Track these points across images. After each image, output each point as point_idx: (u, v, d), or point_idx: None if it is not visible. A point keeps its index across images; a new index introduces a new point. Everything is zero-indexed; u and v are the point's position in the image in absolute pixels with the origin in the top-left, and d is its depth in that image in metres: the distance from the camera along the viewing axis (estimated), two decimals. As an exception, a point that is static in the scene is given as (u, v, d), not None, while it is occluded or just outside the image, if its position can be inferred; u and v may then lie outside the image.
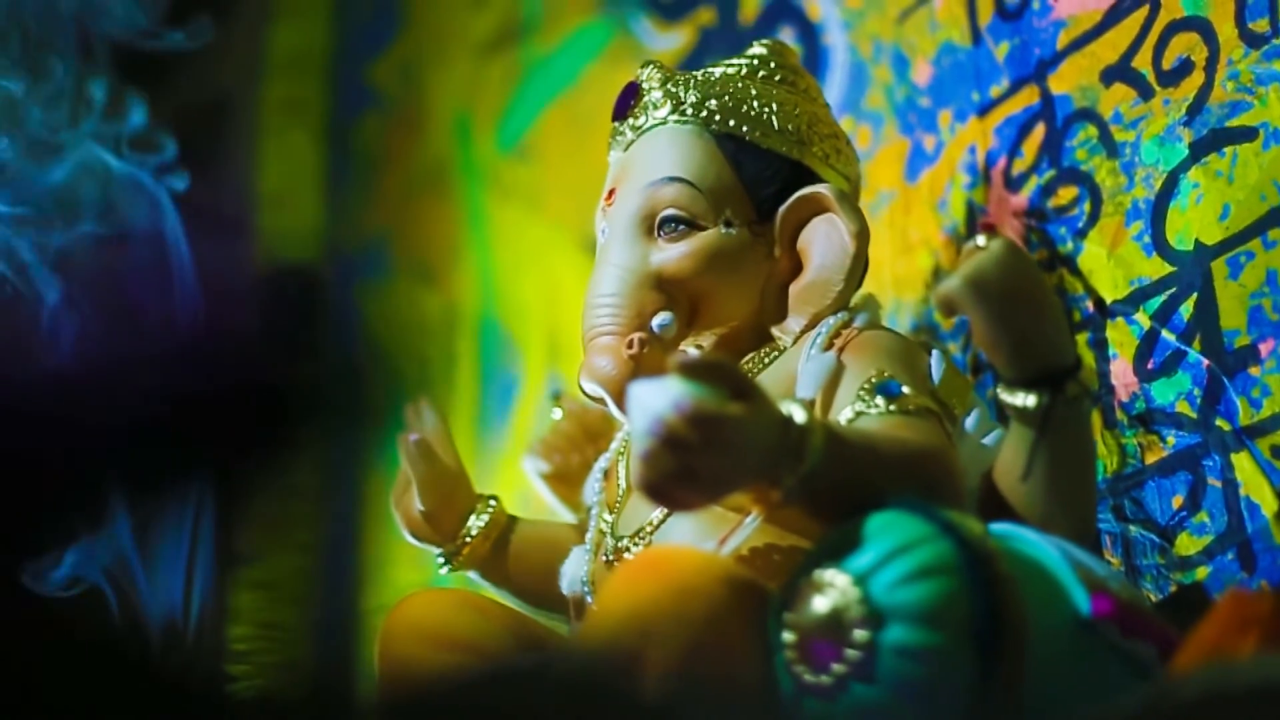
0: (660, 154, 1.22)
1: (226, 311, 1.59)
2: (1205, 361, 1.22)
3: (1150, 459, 1.25)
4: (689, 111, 1.23)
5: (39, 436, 1.38)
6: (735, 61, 1.28)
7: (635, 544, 1.16)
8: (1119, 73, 1.34)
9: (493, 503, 1.30)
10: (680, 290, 1.20)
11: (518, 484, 1.64)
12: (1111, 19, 1.36)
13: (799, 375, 1.15)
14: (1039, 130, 1.40)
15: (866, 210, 1.25)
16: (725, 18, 1.82)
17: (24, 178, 1.57)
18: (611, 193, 1.25)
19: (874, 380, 1.09)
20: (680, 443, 0.91)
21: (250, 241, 2.22)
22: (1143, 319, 1.27)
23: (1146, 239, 1.28)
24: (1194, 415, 1.23)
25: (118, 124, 1.64)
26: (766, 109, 1.23)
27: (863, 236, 1.20)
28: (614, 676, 0.94)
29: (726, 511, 1.06)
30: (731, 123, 1.23)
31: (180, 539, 1.55)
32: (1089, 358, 1.30)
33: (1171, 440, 1.24)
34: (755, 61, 1.28)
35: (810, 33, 1.69)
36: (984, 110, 1.47)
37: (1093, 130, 1.35)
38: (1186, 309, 1.24)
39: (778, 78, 1.27)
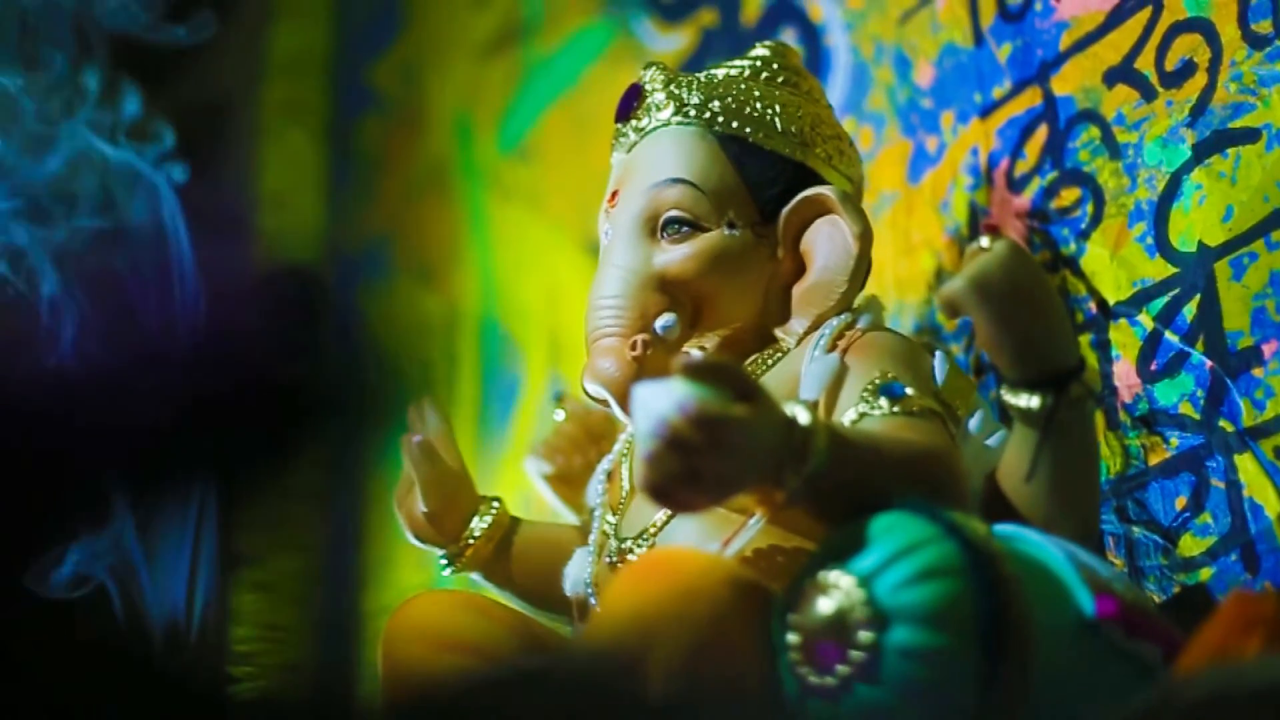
0: (663, 155, 1.22)
1: (227, 312, 1.59)
2: (1208, 363, 1.22)
3: (1153, 460, 1.25)
4: (692, 113, 1.23)
5: (40, 436, 1.37)
6: (738, 63, 1.28)
7: (639, 545, 1.16)
8: (1121, 74, 1.34)
9: (495, 504, 1.30)
10: (683, 292, 1.20)
11: (519, 485, 1.64)
12: (1114, 20, 1.36)
13: (802, 377, 1.15)
14: (1041, 131, 1.40)
15: (869, 211, 1.25)
16: (727, 19, 1.82)
17: (25, 173, 1.57)
18: (614, 194, 1.25)
19: (877, 381, 1.09)
20: (684, 444, 0.91)
21: (251, 243, 2.22)
22: (1146, 320, 1.27)
23: (1149, 240, 1.28)
24: (1197, 416, 1.23)
25: (119, 120, 1.64)
26: (769, 110, 1.23)
27: (866, 238, 1.20)
28: (618, 678, 0.94)
29: (730, 513, 1.06)
30: (735, 124, 1.23)
31: (182, 540, 1.55)
32: (1092, 359, 1.30)
33: (1175, 441, 1.24)
34: (758, 63, 1.28)
35: (812, 34, 1.70)
36: (986, 111, 1.47)
37: (1095, 131, 1.35)
38: (1189, 310, 1.24)
39: (781, 79, 1.27)
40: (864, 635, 0.90)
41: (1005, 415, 1.14)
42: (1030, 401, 1.09)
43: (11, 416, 1.38)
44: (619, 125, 1.27)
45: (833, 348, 1.16)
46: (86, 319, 1.52)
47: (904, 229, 1.53)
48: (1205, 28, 1.27)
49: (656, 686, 0.92)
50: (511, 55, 2.15)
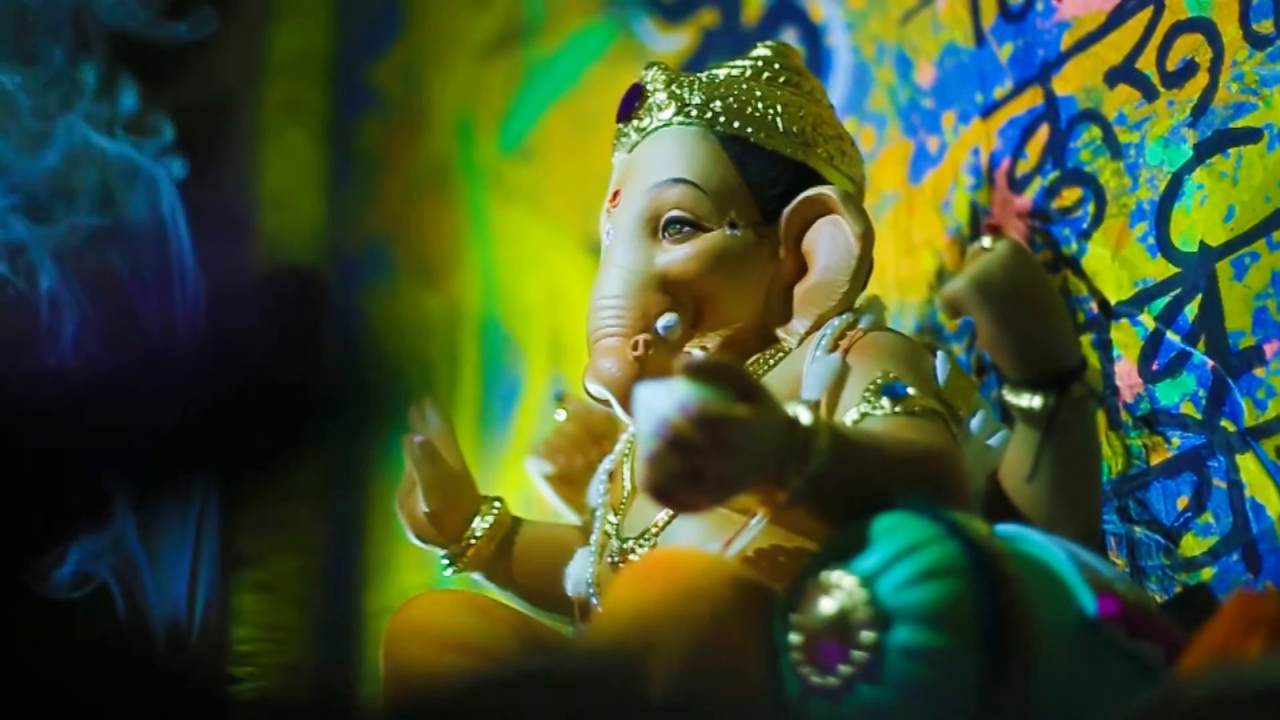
0: (665, 155, 1.22)
1: (227, 311, 1.59)
2: (1210, 363, 1.22)
3: (1155, 460, 1.25)
4: (694, 113, 1.23)
5: (41, 436, 1.37)
6: (740, 63, 1.28)
7: (640, 545, 1.16)
8: (1123, 74, 1.34)
9: (497, 504, 1.30)
10: (685, 292, 1.20)
11: (521, 485, 1.64)
12: (1115, 20, 1.36)
13: (804, 377, 1.15)
14: (1043, 132, 1.40)
15: (870, 211, 1.25)
16: (728, 19, 1.82)
17: (24, 169, 1.57)
18: (616, 194, 1.25)
19: (879, 381, 1.09)
20: (686, 444, 0.91)
21: (251, 243, 2.22)
22: (1147, 320, 1.27)
23: (1151, 240, 1.28)
24: (1199, 416, 1.22)
25: (118, 114, 1.64)
26: (771, 110, 1.23)
27: (867, 238, 1.20)
28: (620, 678, 0.94)
29: (732, 513, 1.06)
30: (736, 124, 1.23)
31: (184, 540, 1.55)
32: (1093, 359, 1.29)
33: (1176, 441, 1.24)
34: (760, 63, 1.28)
35: (813, 34, 1.70)
36: (987, 112, 1.47)
37: (1097, 132, 1.35)
38: (1191, 310, 1.24)
39: (782, 79, 1.27)
40: (866, 635, 0.90)
41: (1007, 415, 1.14)
42: (1032, 401, 1.09)
43: (12, 416, 1.38)
44: (620, 125, 1.27)
45: (834, 348, 1.16)
46: (87, 318, 1.52)
47: (905, 229, 1.53)
48: (1207, 28, 1.27)
49: (658, 686, 0.92)
50: (512, 55, 2.15)
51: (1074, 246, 1.35)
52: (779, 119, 1.23)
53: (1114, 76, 1.35)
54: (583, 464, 1.42)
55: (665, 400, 0.92)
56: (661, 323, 1.18)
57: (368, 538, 2.07)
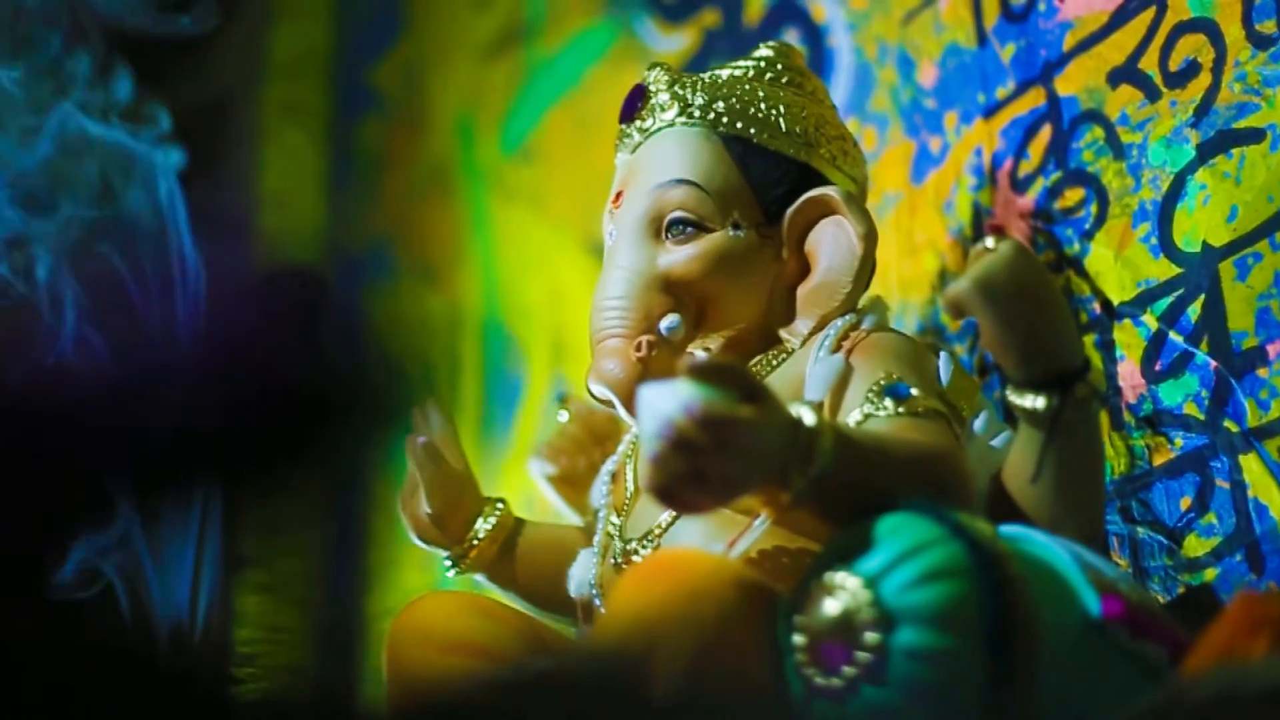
0: (668, 156, 1.22)
1: (228, 312, 1.59)
2: (1213, 363, 1.22)
3: (1158, 461, 1.25)
4: (696, 114, 1.23)
5: (42, 437, 1.37)
6: (742, 63, 1.28)
7: (644, 547, 1.16)
8: (1125, 74, 1.34)
9: (500, 505, 1.30)
10: (688, 293, 1.20)
11: (522, 486, 1.64)
12: (1118, 20, 1.35)
13: (807, 377, 1.15)
14: (1045, 132, 1.40)
15: (872, 212, 1.25)
16: (729, 19, 1.82)
17: (22, 163, 1.57)
18: (619, 195, 1.25)
19: (882, 382, 1.09)
20: (690, 445, 0.91)
21: (252, 243, 2.22)
22: (1150, 321, 1.27)
23: (1154, 241, 1.28)
24: (1202, 417, 1.22)
25: (119, 106, 1.64)
26: (774, 111, 1.23)
27: (870, 238, 1.20)
28: (623, 680, 0.94)
29: (735, 514, 1.06)
30: (739, 125, 1.23)
31: (186, 541, 1.55)
32: (1096, 360, 1.29)
33: (1179, 442, 1.24)
34: (762, 63, 1.28)
35: (815, 34, 1.69)
36: (990, 112, 1.47)
37: (1099, 132, 1.35)
38: (1194, 311, 1.24)
39: (785, 79, 1.27)
40: (870, 636, 0.90)
41: (1010, 416, 1.14)
42: (1035, 402, 1.09)
43: (14, 416, 1.38)
44: (623, 126, 1.27)
45: (837, 348, 1.16)
46: (88, 318, 1.52)
47: (907, 230, 1.53)
48: (1209, 28, 1.27)
49: (662, 688, 0.92)
50: (513, 56, 2.15)
51: (1076, 247, 1.35)
52: (782, 119, 1.23)
53: (1116, 77, 1.35)
54: (585, 465, 1.42)
55: (669, 401, 0.92)
56: (665, 324, 1.18)
57: (370, 539, 2.07)
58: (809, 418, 0.96)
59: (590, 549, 1.24)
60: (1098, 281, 1.32)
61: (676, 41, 1.89)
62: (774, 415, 0.94)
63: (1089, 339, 1.31)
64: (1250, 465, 1.18)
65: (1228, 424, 1.20)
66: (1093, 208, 1.34)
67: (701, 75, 1.27)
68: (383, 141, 2.35)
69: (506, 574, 1.30)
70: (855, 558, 0.92)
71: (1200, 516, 1.21)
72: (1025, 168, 1.42)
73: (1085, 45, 1.38)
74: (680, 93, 1.24)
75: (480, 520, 1.29)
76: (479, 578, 1.31)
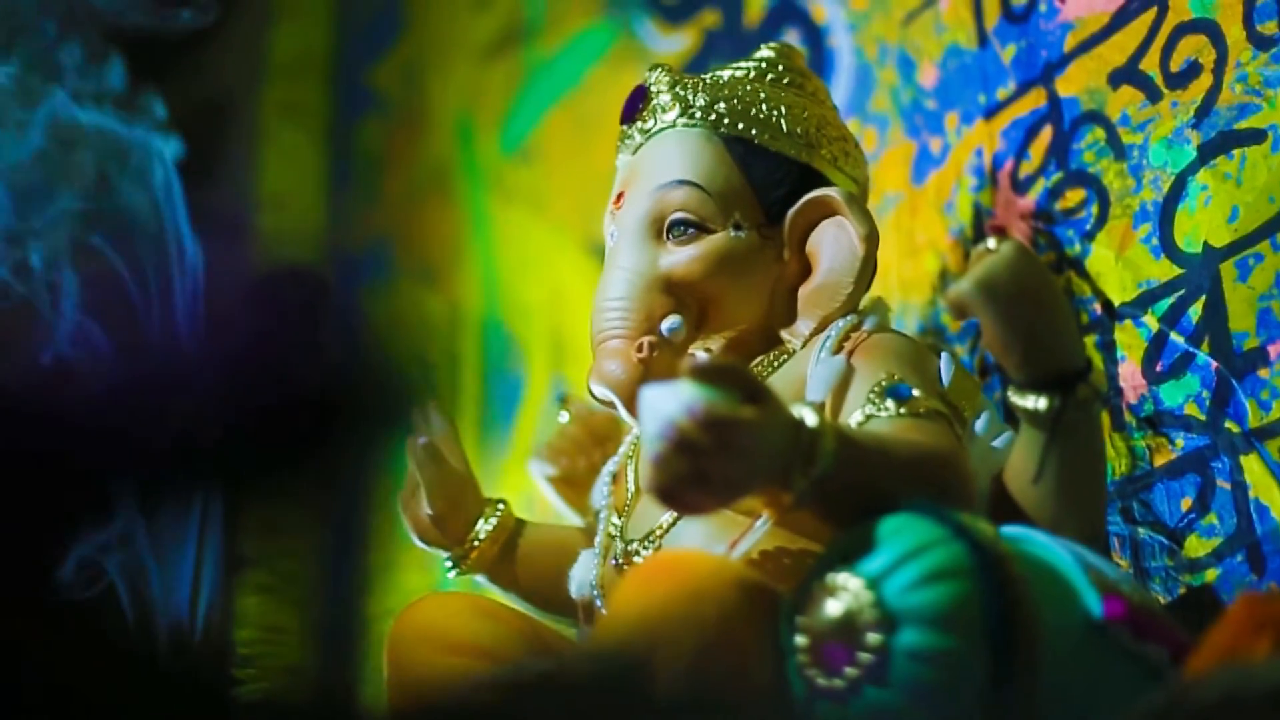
0: (669, 157, 1.22)
1: (228, 313, 1.59)
2: (1214, 364, 1.22)
3: (1159, 461, 1.25)
4: (697, 114, 1.23)
5: (44, 438, 1.37)
6: (743, 64, 1.28)
7: (645, 547, 1.16)
8: (1126, 75, 1.34)
9: (501, 506, 1.30)
10: (689, 293, 1.19)
11: (523, 487, 1.63)
12: (1119, 21, 1.35)
13: (809, 378, 1.15)
14: (1046, 133, 1.40)
15: (873, 213, 1.25)
16: (730, 20, 1.82)
17: (17, 159, 1.57)
18: (620, 196, 1.25)
19: (884, 383, 1.09)
20: (692, 446, 0.91)
21: (251, 244, 2.22)
22: (1151, 321, 1.27)
23: (1155, 241, 1.28)
24: (1203, 417, 1.22)
25: (113, 96, 1.63)
26: (775, 112, 1.23)
27: (872, 239, 1.20)
28: (625, 681, 0.94)
29: (737, 515, 1.05)
30: (740, 125, 1.23)
31: (187, 542, 1.55)
32: (1097, 360, 1.29)
33: (1180, 442, 1.24)
34: (763, 64, 1.28)
35: (815, 35, 1.69)
36: (990, 113, 1.47)
37: (1100, 133, 1.35)
38: (1195, 311, 1.24)
39: (786, 80, 1.27)
40: (872, 637, 0.90)
41: (1011, 417, 1.14)
42: (1037, 403, 1.09)
43: (15, 417, 1.38)
44: (624, 127, 1.27)
45: (839, 349, 1.16)
46: (88, 319, 1.52)
47: (908, 230, 1.53)
48: (1210, 29, 1.27)
49: (664, 689, 0.92)
50: (513, 56, 2.15)
51: (1077, 248, 1.35)
52: (783, 120, 1.23)
53: (1117, 77, 1.35)
54: (585, 466, 1.42)
55: (671, 402, 0.92)
56: (666, 325, 1.18)
57: (371, 540, 2.07)
58: (811, 419, 0.96)
59: (591, 550, 1.24)
60: (1099, 282, 1.32)
61: (676, 42, 1.89)
62: (776, 416, 0.94)
63: (1090, 340, 1.31)
64: (1251, 466, 1.18)
65: (1229, 425, 1.20)
66: (1094, 208, 1.34)
67: (703, 76, 1.27)
68: (382, 142, 2.35)
69: (507, 575, 1.30)
70: (857, 559, 0.92)
71: (1201, 517, 1.21)
72: (1026, 168, 1.42)
73: (1086, 46, 1.38)
74: (681, 94, 1.24)
75: (481, 521, 1.29)
76: (480, 579, 1.31)
